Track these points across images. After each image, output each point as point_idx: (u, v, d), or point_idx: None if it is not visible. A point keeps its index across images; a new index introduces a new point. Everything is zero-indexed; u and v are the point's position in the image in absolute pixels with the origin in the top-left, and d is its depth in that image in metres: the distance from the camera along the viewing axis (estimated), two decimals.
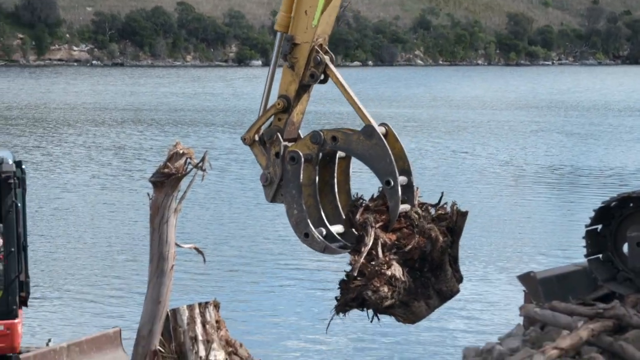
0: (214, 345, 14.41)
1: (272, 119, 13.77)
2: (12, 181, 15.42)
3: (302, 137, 14.01)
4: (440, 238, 13.55)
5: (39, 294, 24.66)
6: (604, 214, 17.95)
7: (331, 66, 14.02)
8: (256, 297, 27.38)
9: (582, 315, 15.96)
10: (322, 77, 13.90)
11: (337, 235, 13.66)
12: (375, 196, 13.93)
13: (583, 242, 17.92)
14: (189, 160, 12.33)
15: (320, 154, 13.69)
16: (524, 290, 18.90)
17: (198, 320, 14.51)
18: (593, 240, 17.96)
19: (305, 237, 13.45)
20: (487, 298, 27.45)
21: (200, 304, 14.66)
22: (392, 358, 22.31)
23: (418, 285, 13.54)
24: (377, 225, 13.41)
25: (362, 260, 13.14)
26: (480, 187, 46.94)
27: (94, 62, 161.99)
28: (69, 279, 28.83)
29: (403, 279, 13.13)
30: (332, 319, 13.51)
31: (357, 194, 14.09)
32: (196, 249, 14.80)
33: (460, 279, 13.93)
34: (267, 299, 27.07)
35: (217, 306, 14.90)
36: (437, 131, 70.98)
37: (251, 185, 44.11)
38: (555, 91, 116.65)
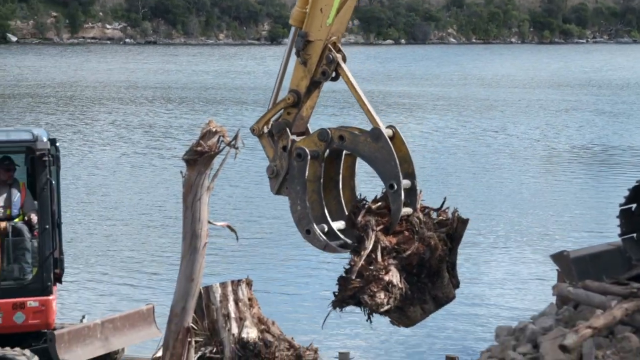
0: (247, 322, 14.48)
1: (281, 112, 13.84)
2: (46, 159, 15.52)
3: (310, 131, 14.13)
4: (440, 246, 13.77)
5: (73, 272, 24.80)
6: (638, 193, 17.88)
7: (343, 65, 14.15)
8: (288, 275, 27.44)
9: (615, 295, 15.90)
10: (333, 74, 14.02)
11: (338, 232, 13.79)
12: (378, 197, 14.10)
13: (617, 221, 17.87)
14: (221, 138, 12.35)
15: (327, 151, 13.81)
16: (557, 270, 18.86)
17: (231, 297, 14.59)
18: (627, 219, 17.91)
19: (307, 233, 13.70)
20: (520, 277, 27.40)
21: (232, 282, 14.75)
22: (425, 336, 22.34)
23: (414, 290, 13.76)
24: (378, 228, 13.57)
25: (361, 262, 13.26)
26: (512, 166, 46.77)
27: (126, 40, 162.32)
28: (102, 256, 29.02)
29: (400, 285, 13.35)
30: (328, 314, 13.75)
31: (360, 194, 14.25)
32: (229, 226, 14.84)
33: (457, 285, 14.14)
34: (299, 278, 27.14)
35: (249, 284, 14.98)
36: (467, 110, 70.70)
37: None
38: (589, 69, 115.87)
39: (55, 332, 15.15)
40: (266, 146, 14.00)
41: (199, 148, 12.03)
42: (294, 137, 13.93)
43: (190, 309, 11.85)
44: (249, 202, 36.72)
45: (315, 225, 13.53)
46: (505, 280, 26.73)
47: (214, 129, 12.29)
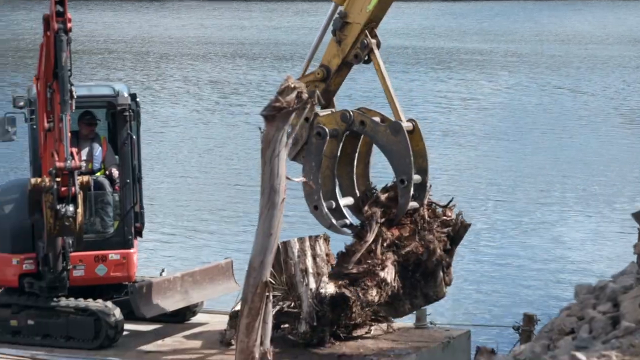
0: (324, 278, 14.60)
1: (309, 85, 14.03)
2: (127, 114, 15.71)
3: (335, 104, 14.28)
4: (438, 251, 13.93)
5: (152, 226, 25.12)
6: None
7: (376, 52, 14.29)
8: None
9: None
10: (365, 58, 14.10)
11: (345, 211, 14.12)
12: (389, 186, 14.25)
13: None
14: (300, 94, 12.35)
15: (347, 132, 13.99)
16: (638, 228, 18.67)
17: (308, 253, 14.72)
18: None
19: (315, 209, 14.05)
20: (601, 236, 27.22)
21: (310, 237, 14.87)
22: (503, 295, 22.30)
23: (406, 285, 13.91)
24: (383, 220, 13.73)
25: (360, 253, 13.78)
26: (586, 123, 46.21)
27: None
28: (180, 212, 29.32)
29: (393, 284, 13.52)
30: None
31: (371, 183, 14.40)
32: (306, 182, 14.95)
33: (449, 282, 14.25)
34: None
35: (327, 240, 15.09)
36: (539, 66, 69.79)
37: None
38: None
39: (137, 285, 15.39)
40: None
41: (277, 104, 12.06)
42: (318, 110, 14.15)
43: (268, 264, 11.94)
44: None
45: (323, 203, 13.83)
46: (586, 239, 26.58)
47: (292, 85, 12.31)
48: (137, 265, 16.26)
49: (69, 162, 14.07)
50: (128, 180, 15.75)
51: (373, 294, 13.61)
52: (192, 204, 30.23)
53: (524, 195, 32.08)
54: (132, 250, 15.77)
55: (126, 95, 15.80)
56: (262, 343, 11.94)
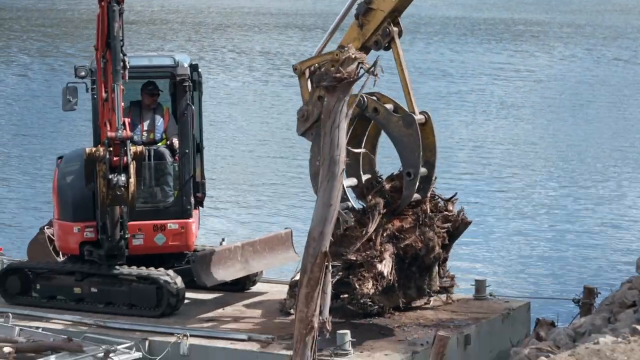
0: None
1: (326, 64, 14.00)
2: (187, 84, 15.78)
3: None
4: (437, 249, 13.95)
5: (213, 196, 25.26)
6: None
7: (397, 41, 14.27)
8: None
9: None
10: (385, 46, 14.06)
11: (347, 192, 14.17)
12: (394, 175, 14.24)
13: None
14: (361, 65, 12.33)
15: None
16: None
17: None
18: None
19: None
20: None
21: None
22: (564, 266, 22.22)
23: (401, 276, 13.90)
24: (385, 210, 13.72)
25: (362, 241, 13.87)
26: None
27: None
28: (239, 182, 29.43)
29: (389, 277, 13.52)
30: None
31: (377, 171, 14.40)
32: (367, 153, 14.95)
33: (442, 276, 14.24)
34: None
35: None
36: (594, 37, 69.00)
37: (424, 90, 43.93)
38: None
39: (198, 254, 15.50)
40: (303, 87, 14.64)
41: (338, 74, 12.04)
42: None
43: (327, 234, 11.95)
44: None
45: None
46: None
47: (353, 56, 12.27)
48: (197, 234, 16.36)
49: (120, 132, 14.22)
50: (187, 151, 15.82)
51: (369, 287, 13.73)
52: (251, 175, 30.32)
53: (583, 168, 31.85)
54: (190, 220, 15.85)
55: (186, 65, 15.85)
56: (321, 313, 11.97)
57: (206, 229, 20.45)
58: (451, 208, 14.69)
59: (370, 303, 14.61)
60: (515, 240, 24.18)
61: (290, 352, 11.73)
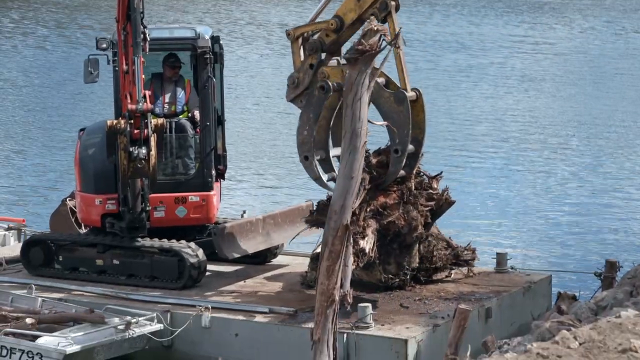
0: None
1: (321, 32, 14.18)
2: (207, 56, 15.75)
3: (342, 53, 14.22)
4: (419, 227, 13.90)
5: (234, 169, 25.27)
6: None
7: (394, 15, 14.21)
8: (448, 174, 27.28)
9: None
10: (382, 19, 13.99)
11: (334, 161, 14.16)
12: (382, 149, 14.20)
13: None
14: (383, 37, 12.29)
15: None
16: None
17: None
18: None
19: (305, 159, 14.17)
20: None
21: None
22: (586, 240, 22.15)
23: (382, 252, 13.88)
24: (370, 186, 13.69)
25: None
26: None
27: None
28: (260, 155, 29.41)
29: (370, 254, 13.47)
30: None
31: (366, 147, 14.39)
32: (388, 126, 14.91)
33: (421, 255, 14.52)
34: (460, 177, 27.04)
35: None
36: (614, 10, 68.42)
37: (443, 63, 43.71)
38: None
39: (220, 226, 15.52)
40: (295, 53, 14.62)
41: (360, 47, 11.98)
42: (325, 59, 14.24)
43: (349, 207, 11.93)
44: None
45: (315, 154, 13.87)
46: None
47: (375, 28, 12.22)
48: (218, 207, 16.38)
49: (140, 104, 14.23)
50: (208, 123, 15.82)
51: (350, 262, 13.71)
52: (272, 148, 30.28)
53: (606, 141, 31.71)
54: (211, 193, 15.88)
55: (207, 37, 15.83)
56: (342, 286, 11.98)
57: (227, 202, 20.42)
58: (435, 186, 14.68)
59: (391, 276, 14.65)
60: (536, 213, 24.11)
61: (311, 325, 11.75)
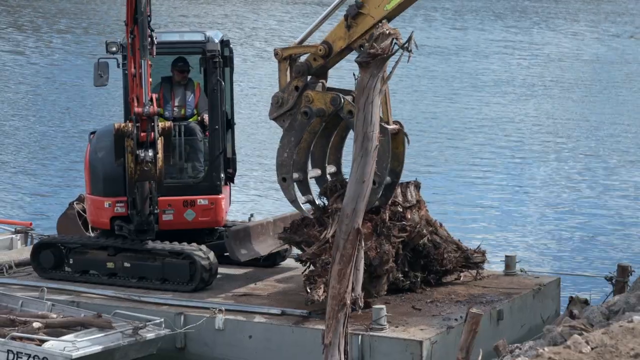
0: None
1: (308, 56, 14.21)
2: (217, 60, 15.75)
3: (327, 78, 14.23)
4: (390, 261, 13.93)
5: (244, 172, 25.22)
6: None
7: None
8: (455, 178, 27.30)
9: None
10: None
11: (311, 182, 14.41)
12: None
13: None
14: (395, 40, 12.31)
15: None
16: None
17: (400, 199, 14.73)
18: None
19: (283, 181, 14.30)
20: None
21: (401, 184, 14.86)
22: (597, 243, 22.10)
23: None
24: None
25: (320, 246, 13.96)
26: None
27: None
28: (270, 158, 29.32)
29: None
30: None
31: (342, 174, 14.50)
32: (400, 129, 14.90)
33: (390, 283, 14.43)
34: (466, 179, 27.04)
35: (417, 186, 15.10)
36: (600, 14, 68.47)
37: (456, 65, 43.59)
38: None
39: (232, 229, 15.51)
40: (282, 72, 14.52)
41: (372, 50, 12.01)
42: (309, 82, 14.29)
43: (360, 211, 11.97)
44: (420, 103, 36.62)
45: (292, 177, 13.91)
46: None
47: (387, 32, 12.25)
48: (227, 210, 16.37)
49: (147, 107, 14.27)
50: (217, 126, 15.82)
51: (320, 293, 13.74)
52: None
53: (617, 144, 31.72)
54: (220, 196, 15.87)
55: (217, 41, 15.83)
56: (353, 289, 12.00)
57: (235, 205, 20.41)
58: (409, 216, 14.68)
59: (402, 278, 14.65)
60: (545, 217, 24.10)
61: (324, 327, 11.76)
